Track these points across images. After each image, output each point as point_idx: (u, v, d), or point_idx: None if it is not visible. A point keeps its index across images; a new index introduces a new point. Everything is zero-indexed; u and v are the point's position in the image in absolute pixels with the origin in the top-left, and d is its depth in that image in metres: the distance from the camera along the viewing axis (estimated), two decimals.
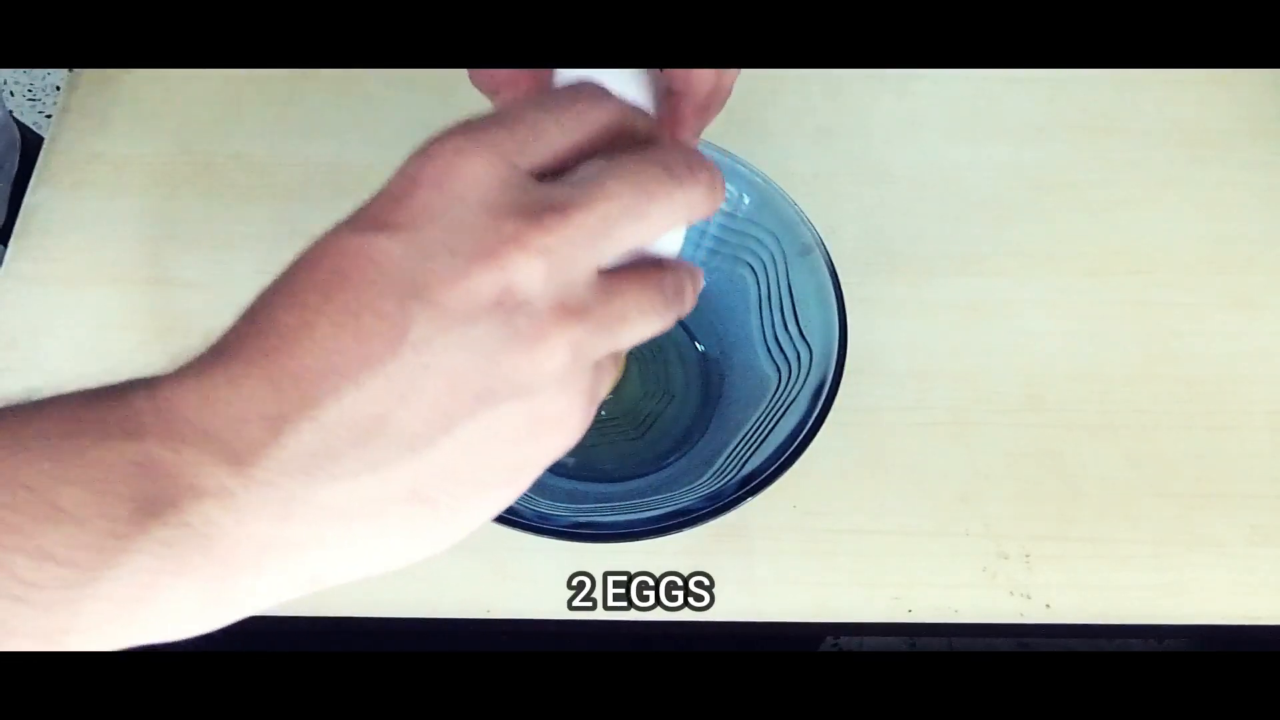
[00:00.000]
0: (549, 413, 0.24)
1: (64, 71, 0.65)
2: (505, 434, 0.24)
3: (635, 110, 0.28)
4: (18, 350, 0.54)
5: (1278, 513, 0.51)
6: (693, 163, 0.26)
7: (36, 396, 0.23)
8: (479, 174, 0.23)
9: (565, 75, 0.31)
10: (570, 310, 0.24)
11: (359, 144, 0.61)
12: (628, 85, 0.32)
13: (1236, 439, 0.53)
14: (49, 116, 0.64)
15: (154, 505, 0.21)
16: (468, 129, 0.24)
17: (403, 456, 0.23)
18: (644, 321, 0.26)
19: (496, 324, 0.23)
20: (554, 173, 0.25)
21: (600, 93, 0.27)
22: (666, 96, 0.32)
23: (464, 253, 0.23)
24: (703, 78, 0.31)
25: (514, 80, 0.32)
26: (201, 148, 0.61)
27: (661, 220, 0.25)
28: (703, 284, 0.30)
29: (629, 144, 0.27)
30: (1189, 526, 0.50)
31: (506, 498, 0.25)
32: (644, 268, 0.26)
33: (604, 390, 0.27)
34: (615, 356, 0.27)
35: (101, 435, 0.21)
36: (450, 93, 0.63)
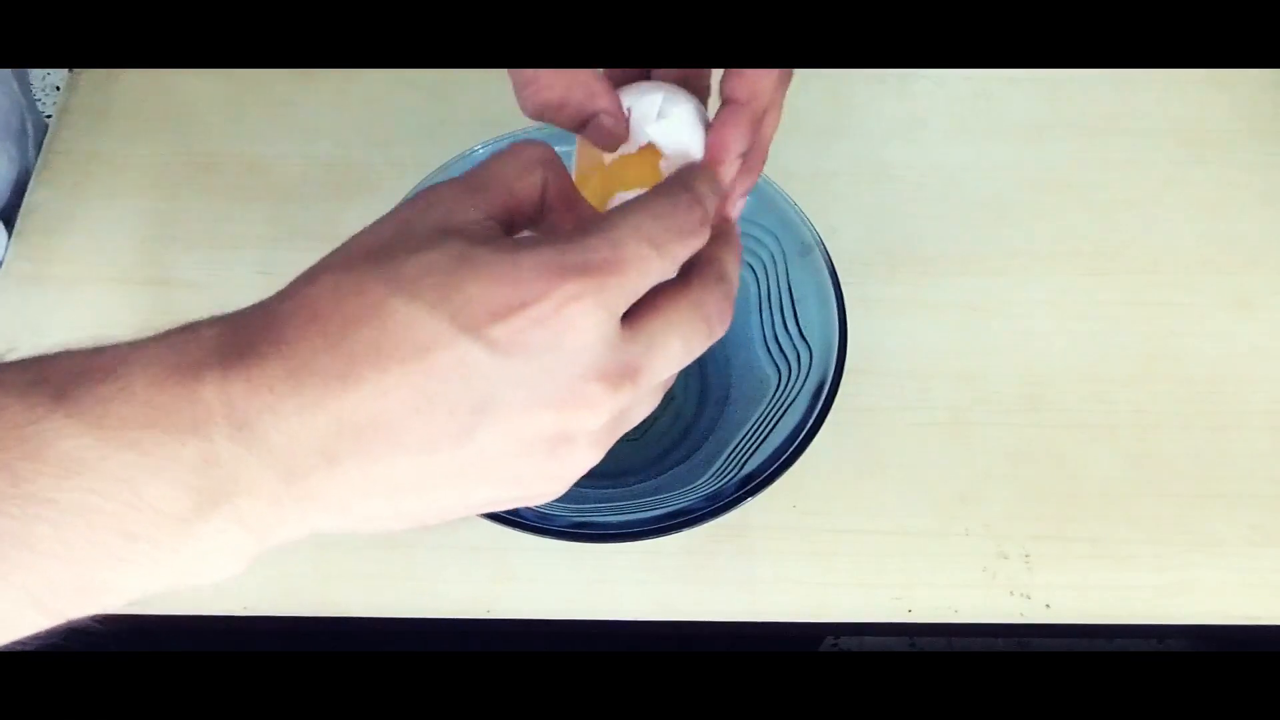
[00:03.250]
0: (566, 470, 0.28)
1: (64, 71, 0.65)
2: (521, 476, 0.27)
3: (712, 208, 0.29)
4: (18, 350, 0.53)
5: (1278, 513, 0.51)
6: (725, 307, 0.29)
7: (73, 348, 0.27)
8: (585, 334, 0.25)
9: (639, 96, 0.32)
10: (614, 426, 0.28)
11: (359, 144, 0.61)
12: (687, 114, 0.32)
13: (1236, 439, 0.53)
14: (49, 116, 0.64)
15: (215, 498, 0.25)
16: (587, 273, 0.25)
17: (422, 501, 0.27)
18: (685, 362, 0.29)
19: (545, 452, 0.27)
20: None
21: (700, 209, 0.28)
22: (725, 110, 0.32)
23: (545, 395, 0.26)
24: (762, 83, 0.32)
25: (553, 84, 0.32)
26: (201, 148, 0.61)
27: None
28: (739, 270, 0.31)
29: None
30: (1189, 526, 0.50)
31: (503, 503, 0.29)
32: (684, 312, 0.28)
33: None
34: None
35: (176, 429, 0.24)
36: (450, 93, 0.63)
